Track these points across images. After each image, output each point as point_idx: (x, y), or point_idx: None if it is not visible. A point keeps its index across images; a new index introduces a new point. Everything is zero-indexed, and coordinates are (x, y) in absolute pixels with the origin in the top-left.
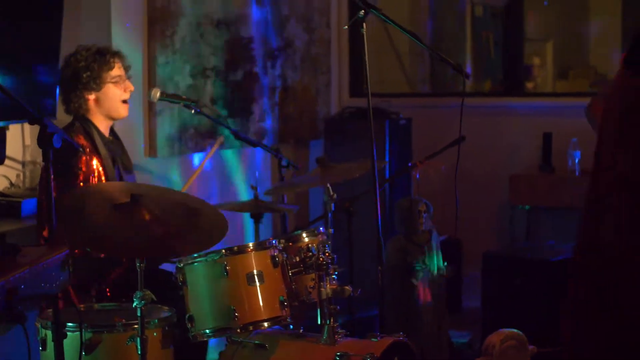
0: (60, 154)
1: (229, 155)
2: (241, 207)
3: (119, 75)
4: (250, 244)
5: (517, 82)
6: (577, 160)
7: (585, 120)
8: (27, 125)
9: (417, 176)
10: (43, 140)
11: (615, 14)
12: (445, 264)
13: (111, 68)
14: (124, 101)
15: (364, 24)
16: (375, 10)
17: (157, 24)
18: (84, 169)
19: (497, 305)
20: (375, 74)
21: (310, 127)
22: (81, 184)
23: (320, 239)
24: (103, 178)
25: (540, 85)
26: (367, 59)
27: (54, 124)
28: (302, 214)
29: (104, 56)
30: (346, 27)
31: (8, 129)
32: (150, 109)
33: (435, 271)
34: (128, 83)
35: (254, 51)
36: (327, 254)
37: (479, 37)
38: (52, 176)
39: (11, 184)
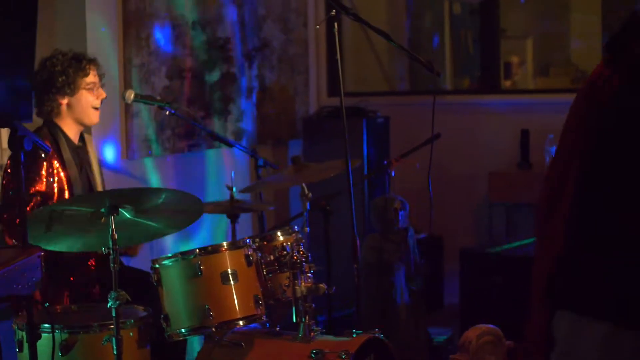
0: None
1: (206, 156)
2: (216, 208)
3: (93, 82)
4: (225, 244)
5: (494, 80)
6: None
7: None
8: (4, 131)
9: (393, 174)
10: (13, 143)
11: (595, 11)
12: (423, 261)
13: (86, 74)
14: (95, 108)
15: (335, 24)
16: (345, 10)
17: (132, 26)
18: (44, 174)
19: (476, 301)
20: (354, 72)
21: (289, 127)
22: (39, 188)
23: (295, 238)
24: (64, 182)
25: (520, 83)
26: (339, 58)
27: (24, 127)
28: (282, 213)
29: (80, 62)
30: (318, 26)
31: None
32: (127, 111)
33: (412, 269)
34: (101, 91)
35: (230, 52)
36: (301, 252)
37: (457, 34)
38: (23, 177)
39: None
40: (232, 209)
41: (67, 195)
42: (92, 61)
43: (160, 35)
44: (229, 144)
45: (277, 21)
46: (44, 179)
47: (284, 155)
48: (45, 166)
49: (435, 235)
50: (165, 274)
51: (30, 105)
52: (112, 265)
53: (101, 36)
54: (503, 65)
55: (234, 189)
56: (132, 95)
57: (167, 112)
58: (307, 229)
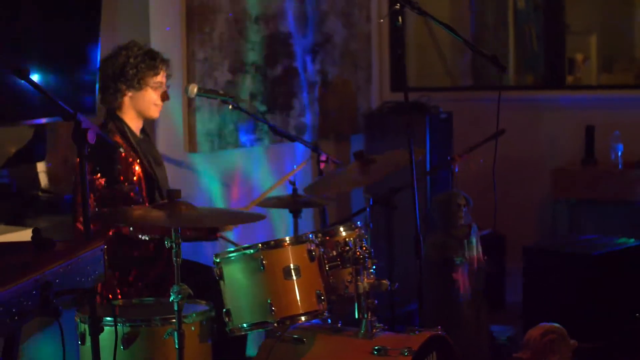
0: (101, 152)
1: (269, 150)
2: (279, 202)
3: (161, 82)
4: (287, 238)
5: (559, 75)
6: (619, 154)
7: (628, 112)
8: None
9: (456, 169)
10: (77, 136)
11: None
12: (486, 258)
13: (157, 73)
14: (156, 105)
15: (400, 18)
16: (410, 3)
17: (195, 20)
18: (124, 168)
19: (539, 299)
20: (417, 68)
21: (351, 122)
22: (123, 183)
23: (358, 233)
24: (142, 177)
25: (584, 79)
26: (404, 52)
27: (88, 120)
28: (343, 207)
29: (153, 60)
30: (382, 20)
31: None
32: (190, 105)
33: (475, 266)
34: (166, 92)
35: (292, 46)
36: (364, 248)
37: (521, 30)
38: (86, 170)
39: (51, 179)
40: (294, 204)
41: (143, 188)
42: (165, 61)
43: (223, 30)
44: (292, 139)
45: (339, 16)
46: (123, 173)
47: (346, 150)
48: (123, 158)
49: (497, 232)
50: (227, 269)
51: (94, 100)
52: (174, 259)
53: (164, 29)
54: (567, 62)
55: (297, 184)
56: (195, 90)
57: (230, 107)
58: (369, 225)
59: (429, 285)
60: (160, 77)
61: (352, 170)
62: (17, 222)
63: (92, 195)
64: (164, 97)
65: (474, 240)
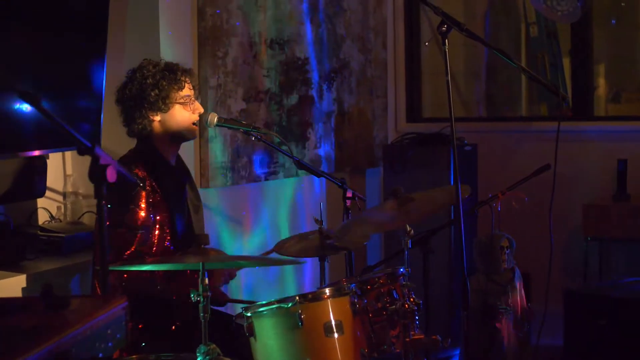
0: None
1: (283, 185)
2: (305, 250)
3: (188, 96)
4: (327, 290)
5: (586, 106)
6: None
7: None
8: (68, 154)
9: (499, 208)
10: (95, 174)
11: None
12: (529, 305)
13: (181, 87)
14: (194, 124)
15: (447, 41)
16: (458, 25)
17: (208, 44)
18: (143, 206)
19: (580, 345)
20: (431, 96)
21: (367, 154)
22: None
23: (403, 283)
24: (165, 217)
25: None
26: (449, 79)
27: (106, 154)
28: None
29: (174, 73)
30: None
31: (48, 157)
32: (201, 135)
33: (519, 314)
34: (197, 104)
35: (309, 73)
36: (412, 300)
37: (534, 58)
38: (105, 215)
39: (52, 217)
40: (323, 249)
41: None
42: (187, 72)
43: (237, 54)
44: (318, 174)
45: (356, 41)
46: (144, 212)
47: (361, 184)
48: (144, 196)
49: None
50: (259, 324)
51: (94, 129)
52: (201, 314)
53: (175, 54)
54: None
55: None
56: (216, 119)
57: (253, 138)
58: (408, 270)
59: (469, 335)
60: (186, 90)
61: (388, 209)
62: (14, 265)
63: None
64: (197, 109)
65: (517, 286)
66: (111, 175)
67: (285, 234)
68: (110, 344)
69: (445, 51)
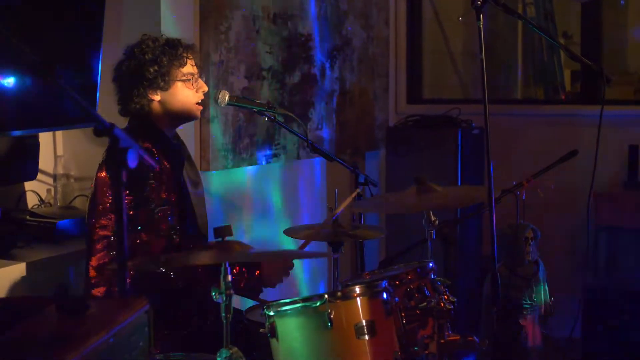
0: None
1: (285, 167)
2: (317, 234)
3: (191, 73)
4: (357, 288)
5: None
6: None
7: None
8: (59, 134)
9: (524, 197)
10: (113, 158)
11: None
12: (552, 300)
13: (183, 64)
14: (197, 104)
15: (482, 17)
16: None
17: (210, 17)
18: (157, 185)
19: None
20: (432, 77)
21: (368, 136)
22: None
23: (434, 278)
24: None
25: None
26: (484, 58)
27: (127, 136)
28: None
29: (175, 49)
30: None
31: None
32: (202, 116)
33: (543, 310)
34: (201, 82)
35: (312, 50)
36: (446, 297)
37: (530, 40)
38: (124, 203)
39: (41, 200)
40: (335, 235)
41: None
42: (190, 48)
43: (240, 29)
44: (330, 158)
45: (358, 17)
46: (155, 191)
47: (360, 167)
48: (155, 175)
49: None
50: (282, 324)
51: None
52: (223, 315)
53: (175, 28)
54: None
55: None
56: (227, 98)
57: (266, 119)
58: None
59: (491, 331)
60: (189, 68)
61: (409, 195)
62: (3, 254)
63: (112, 217)
64: (201, 88)
65: (541, 280)
66: (132, 160)
67: (286, 218)
68: (134, 352)
69: (479, 27)
